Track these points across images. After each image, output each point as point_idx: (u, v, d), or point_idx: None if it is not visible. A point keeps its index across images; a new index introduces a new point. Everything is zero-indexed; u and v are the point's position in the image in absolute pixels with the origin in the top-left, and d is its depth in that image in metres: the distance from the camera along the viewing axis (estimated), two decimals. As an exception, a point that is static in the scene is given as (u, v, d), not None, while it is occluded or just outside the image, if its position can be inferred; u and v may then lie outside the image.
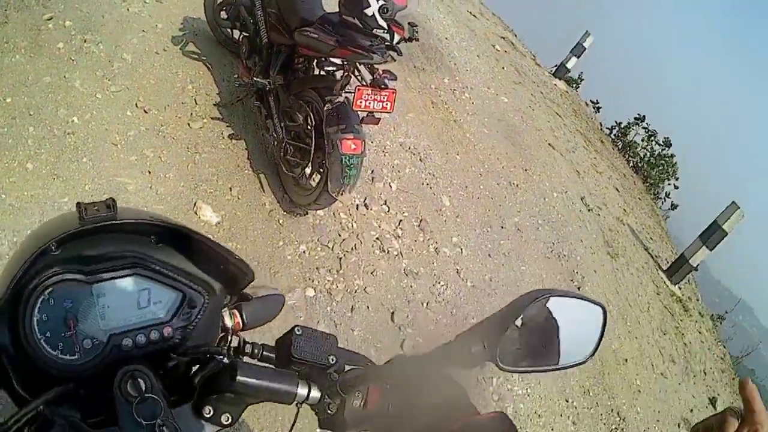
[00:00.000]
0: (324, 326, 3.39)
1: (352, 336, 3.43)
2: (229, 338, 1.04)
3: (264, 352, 0.99)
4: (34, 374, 0.88)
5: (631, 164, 11.31)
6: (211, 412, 0.90)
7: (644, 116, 11.93)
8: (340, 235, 3.89)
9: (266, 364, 0.95)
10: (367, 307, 3.61)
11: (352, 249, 3.85)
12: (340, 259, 3.76)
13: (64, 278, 0.89)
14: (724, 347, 8.83)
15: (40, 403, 0.84)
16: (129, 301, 0.94)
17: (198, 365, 0.96)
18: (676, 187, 11.73)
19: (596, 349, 0.96)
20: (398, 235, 4.16)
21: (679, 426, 5.67)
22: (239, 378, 0.87)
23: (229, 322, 1.10)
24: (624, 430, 4.63)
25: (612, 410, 4.63)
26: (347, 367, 0.95)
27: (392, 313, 3.66)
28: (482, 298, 4.19)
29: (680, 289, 7.87)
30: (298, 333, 0.93)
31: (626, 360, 5.21)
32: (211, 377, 0.93)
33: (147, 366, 0.87)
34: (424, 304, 3.83)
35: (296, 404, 0.93)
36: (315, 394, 0.92)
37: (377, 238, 4.03)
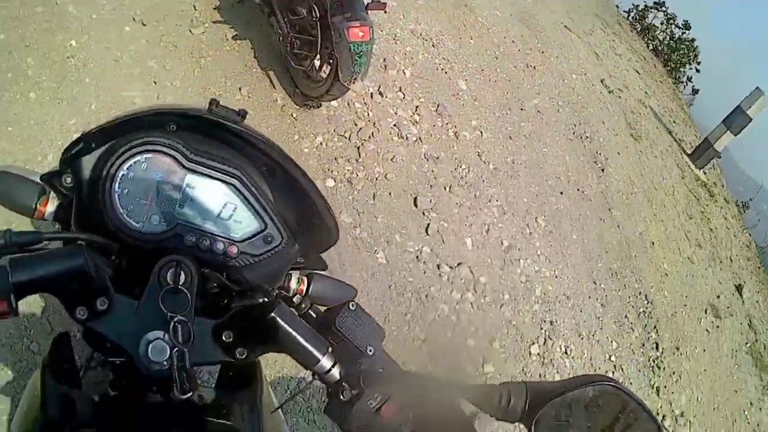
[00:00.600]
0: (346, 215, 3.42)
1: (375, 223, 3.47)
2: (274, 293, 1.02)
3: (309, 311, 1.00)
4: (91, 220, 0.92)
5: (651, 48, 11.08)
6: (230, 339, 0.89)
7: (664, 1, 11.64)
8: (356, 125, 3.87)
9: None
10: (389, 194, 3.63)
11: (369, 137, 3.83)
12: (358, 148, 3.75)
13: (166, 152, 0.92)
14: (750, 235, 8.94)
15: (83, 237, 0.87)
16: (212, 205, 0.95)
17: (239, 297, 0.96)
18: (697, 71, 11.57)
19: None
20: (416, 120, 4.13)
21: (706, 312, 5.81)
22: (273, 315, 0.86)
23: (293, 285, 1.11)
24: (652, 312, 4.75)
25: (640, 293, 4.73)
26: (379, 368, 0.92)
27: (415, 198, 3.68)
28: (505, 180, 4.20)
29: (705, 174, 7.88)
30: (351, 308, 0.92)
31: (653, 243, 5.28)
32: (246, 308, 0.92)
33: (196, 268, 0.88)
34: (447, 188, 3.85)
35: (313, 374, 0.92)
36: (336, 373, 0.90)
37: (394, 125, 4.00)
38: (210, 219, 0.95)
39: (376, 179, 3.66)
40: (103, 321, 0.84)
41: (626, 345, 4.29)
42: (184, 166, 0.92)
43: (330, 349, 0.90)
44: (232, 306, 0.93)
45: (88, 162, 0.92)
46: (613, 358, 4.10)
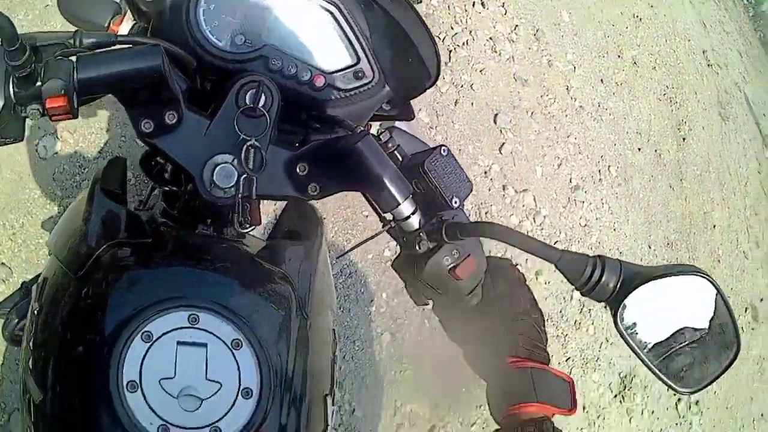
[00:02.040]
0: (425, 114, 3.49)
1: (452, 129, 3.54)
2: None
3: (396, 151, 0.93)
4: (170, 35, 0.87)
5: (759, 36, 10.73)
6: (305, 171, 0.86)
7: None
8: (452, 29, 3.88)
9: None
10: (471, 104, 3.68)
11: (463, 44, 3.85)
12: (450, 52, 3.78)
13: None
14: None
15: (162, 44, 0.81)
16: (304, 32, 0.91)
17: (319, 132, 0.94)
18: (800, 72, 11.21)
19: (704, 387, 0.83)
20: (512, 39, 4.13)
21: (745, 310, 5.85)
22: (360, 145, 0.81)
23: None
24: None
25: (690, 270, 4.79)
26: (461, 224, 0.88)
27: (496, 114, 3.73)
28: (587, 121, 4.23)
29: (781, 176, 7.77)
30: (443, 153, 0.87)
31: (714, 226, 5.29)
32: (329, 142, 0.90)
33: (278, 92, 0.86)
34: (529, 113, 3.89)
35: (390, 219, 0.89)
36: (415, 221, 0.87)
37: (490, 38, 4.01)
38: (300, 46, 0.91)
39: (462, 87, 3.70)
40: (168, 137, 0.81)
41: (664, 316, 4.39)
42: None
43: (412, 195, 0.86)
44: (310, 140, 0.91)
45: None
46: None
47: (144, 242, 0.86)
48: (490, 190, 3.49)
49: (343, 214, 3.00)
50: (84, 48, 0.77)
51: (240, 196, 0.82)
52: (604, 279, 0.76)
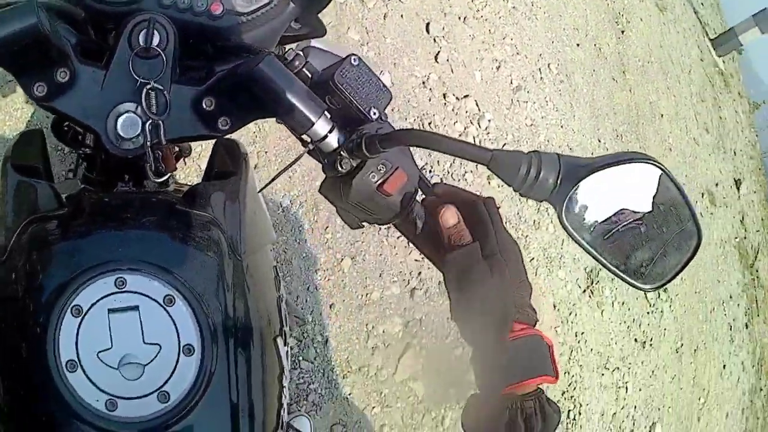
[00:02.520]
0: (355, 32, 3.40)
1: (384, 44, 3.46)
2: None
3: (304, 69, 0.87)
4: None
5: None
6: (211, 106, 0.82)
7: None
8: (371, -61, 3.78)
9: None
10: (401, 16, 3.59)
11: (384, -45, 3.76)
12: (373, -35, 3.69)
13: None
14: (756, 135, 9.06)
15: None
16: None
17: (223, 62, 0.88)
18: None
19: (667, 282, 0.78)
20: (434, -56, 4.05)
21: (702, 196, 5.99)
22: (261, 67, 0.77)
23: (288, 59, 1.01)
24: (651, 184, 4.89)
25: (642, 161, 4.85)
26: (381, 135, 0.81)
27: (427, 24, 3.65)
28: (522, 21, 4.18)
29: (723, 62, 7.87)
30: (353, 63, 0.81)
31: (662, 115, 5.35)
32: (232, 70, 0.84)
33: (173, 27, 0.81)
34: (461, 19, 3.82)
35: (309, 142, 0.85)
36: (333, 139, 0.82)
37: (412, -55, 3.92)
38: None
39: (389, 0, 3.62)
40: (65, 97, 0.77)
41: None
42: None
43: (327, 113, 0.82)
44: (215, 72, 0.85)
45: None
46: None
47: (61, 213, 0.81)
48: (430, 100, 3.44)
49: (285, 144, 2.93)
50: None
51: (149, 144, 0.78)
52: (542, 175, 0.69)
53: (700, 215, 4.47)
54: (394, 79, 3.36)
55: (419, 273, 3.02)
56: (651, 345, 4.36)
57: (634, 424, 4.34)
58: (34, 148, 0.96)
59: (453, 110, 3.49)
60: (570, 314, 3.72)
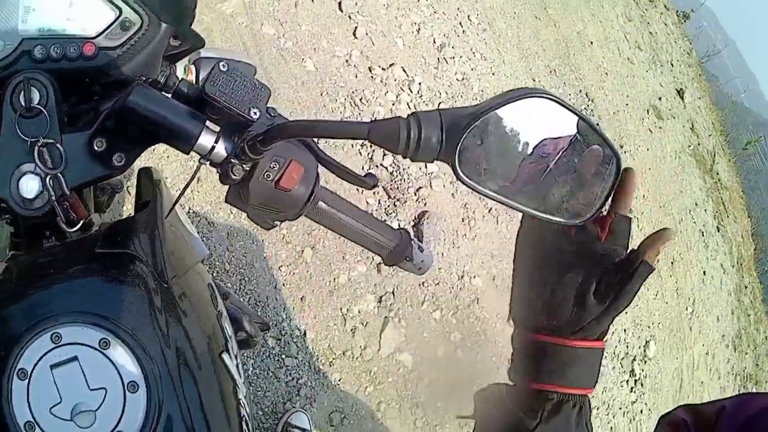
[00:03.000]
0: (269, 26, 3.39)
1: (300, 32, 3.45)
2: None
3: (179, 86, 0.89)
4: None
5: None
6: (103, 147, 0.83)
7: None
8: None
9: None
10: (312, 1, 3.60)
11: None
12: (270, -46, 3.67)
13: None
14: (690, 44, 9.21)
15: None
16: (56, 7, 0.87)
17: (108, 99, 0.88)
18: None
19: (598, 209, 0.74)
20: None
21: (648, 112, 6.09)
22: (131, 98, 0.78)
23: (181, 74, 1.03)
24: (593, 110, 4.96)
25: (580, 91, 4.91)
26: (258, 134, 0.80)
27: (339, 3, 3.65)
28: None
29: (643, -21, 7.98)
30: (222, 69, 0.81)
31: (591, 42, 5.42)
32: (113, 106, 0.84)
33: (51, 81, 0.82)
34: (371, -10, 3.85)
35: (199, 159, 0.84)
36: (221, 149, 0.82)
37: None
38: (57, 24, 0.87)
39: (295, -15, 3.61)
40: None
41: (569, 140, 4.51)
42: None
43: (209, 124, 0.82)
44: (101, 110, 0.86)
45: None
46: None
47: None
48: (356, 76, 3.45)
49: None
50: None
51: (53, 198, 0.79)
52: (424, 135, 0.65)
53: (648, 131, 4.59)
54: (316, 63, 3.37)
55: (381, 247, 3.04)
56: (626, 267, 4.44)
57: (627, 347, 4.45)
58: None
59: (381, 81, 3.51)
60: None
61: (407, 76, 3.62)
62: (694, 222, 6.20)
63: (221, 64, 0.81)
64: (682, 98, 7.16)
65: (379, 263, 2.99)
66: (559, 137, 0.70)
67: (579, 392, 0.78)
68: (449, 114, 0.66)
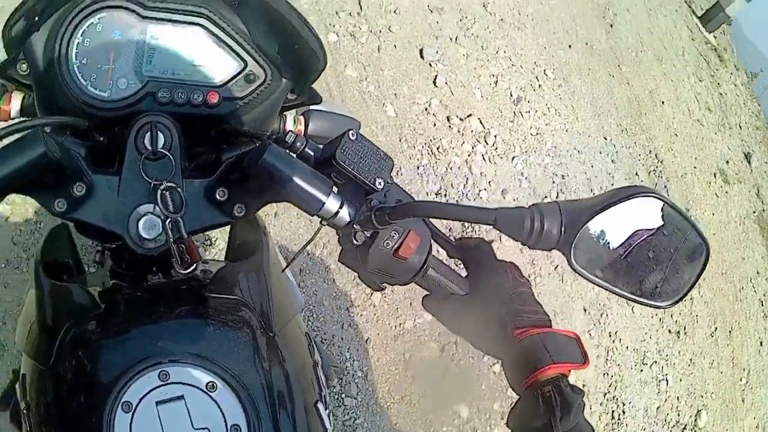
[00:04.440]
0: (352, 69, 3.54)
1: (382, 76, 3.60)
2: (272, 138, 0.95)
3: (306, 149, 0.90)
4: (55, 102, 0.87)
5: None
6: (225, 196, 0.86)
7: None
8: (355, -25, 3.94)
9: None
10: (394, 47, 3.74)
11: (370, -12, 3.91)
12: (360, 0, 3.83)
13: (119, 5, 0.85)
14: (759, 105, 9.15)
15: (44, 122, 0.81)
16: (182, 53, 0.90)
17: (229, 148, 0.93)
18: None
19: (684, 295, 0.83)
20: (416, -30, 4.20)
21: (715, 176, 6.07)
22: (266, 158, 0.80)
23: (290, 126, 1.08)
24: (662, 172, 4.99)
25: (650, 151, 4.95)
26: (392, 202, 0.86)
27: (420, 50, 3.80)
28: (512, 31, 4.32)
29: (715, 38, 7.98)
30: (351, 138, 0.84)
31: (663, 102, 5.46)
32: (239, 158, 0.89)
33: (175, 125, 0.85)
34: (453, 39, 3.97)
35: (321, 220, 0.87)
36: (345, 214, 0.85)
37: (394, -25, 4.07)
38: (182, 68, 0.89)
39: (380, 32, 3.76)
40: (85, 208, 0.81)
41: (637, 203, 4.55)
42: (142, 17, 0.87)
43: (335, 189, 0.85)
44: (223, 160, 0.90)
45: (37, 39, 0.87)
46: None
47: (99, 313, 0.86)
48: (435, 125, 3.57)
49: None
50: None
51: (171, 240, 0.82)
52: (546, 227, 0.73)
53: (715, 196, 4.61)
54: (397, 109, 3.50)
55: (449, 296, 3.12)
56: (686, 333, 4.44)
57: (679, 414, 4.41)
58: (62, 243, 1.04)
59: (458, 131, 3.62)
60: (601, 315, 3.81)
61: (483, 127, 3.73)
62: (755, 291, 6.12)
63: (350, 133, 0.84)
64: (749, 162, 7.11)
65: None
66: (659, 228, 0.79)
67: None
68: (567, 207, 0.73)
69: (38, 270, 0.90)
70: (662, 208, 0.78)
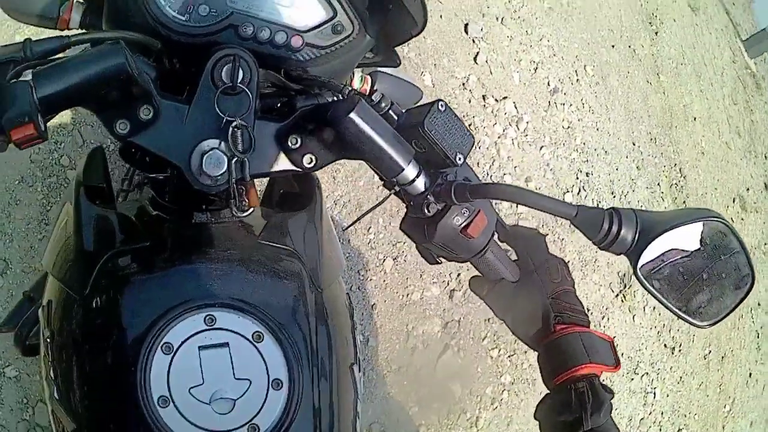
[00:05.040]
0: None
1: (424, 44, 3.57)
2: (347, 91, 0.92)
3: (389, 111, 0.87)
4: (126, 18, 0.84)
5: None
6: (297, 144, 0.84)
7: None
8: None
9: None
10: (440, 17, 3.71)
11: (423, -46, 3.88)
12: (411, -37, 3.81)
13: None
14: (787, 140, 9.15)
15: (119, 35, 0.77)
16: None
17: (304, 96, 0.90)
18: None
19: (722, 319, 0.87)
20: (473, -57, 4.17)
21: (733, 201, 6.08)
22: (352, 115, 0.77)
23: (357, 84, 1.06)
24: (683, 187, 4.99)
25: (675, 165, 4.95)
26: (469, 179, 0.87)
27: (466, 24, 3.77)
28: (558, 21, 4.29)
29: (755, 64, 7.95)
30: (440, 108, 0.83)
31: (695, 118, 5.45)
32: (318, 108, 0.87)
33: (255, 62, 0.82)
34: (499, 20, 3.94)
35: (395, 185, 0.87)
36: (420, 184, 0.85)
37: (450, -55, 4.04)
38: (270, 6, 0.86)
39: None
40: (148, 133, 0.78)
41: (655, 213, 4.56)
42: None
43: (415, 157, 0.84)
44: (297, 107, 0.87)
45: None
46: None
47: (144, 246, 0.84)
48: (470, 101, 3.56)
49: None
50: (36, 58, 0.71)
51: (233, 180, 0.79)
52: (622, 233, 0.76)
53: (731, 219, 4.57)
54: (434, 80, 3.49)
55: (458, 275, 3.14)
56: (680, 351, 4.47)
57: (660, 429, 4.45)
58: (97, 167, 1.00)
59: (492, 112, 3.62)
60: (603, 318, 3.84)
61: (517, 112, 3.72)
62: (753, 321, 6.15)
63: (440, 104, 0.83)
64: (768, 192, 7.12)
65: (453, 289, 3.09)
66: (718, 252, 0.84)
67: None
68: (644, 217, 0.77)
69: (79, 193, 0.88)
70: (726, 234, 0.83)
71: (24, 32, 2.30)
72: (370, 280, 2.96)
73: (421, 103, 1.09)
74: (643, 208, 0.85)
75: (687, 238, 0.81)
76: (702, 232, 0.82)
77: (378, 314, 2.93)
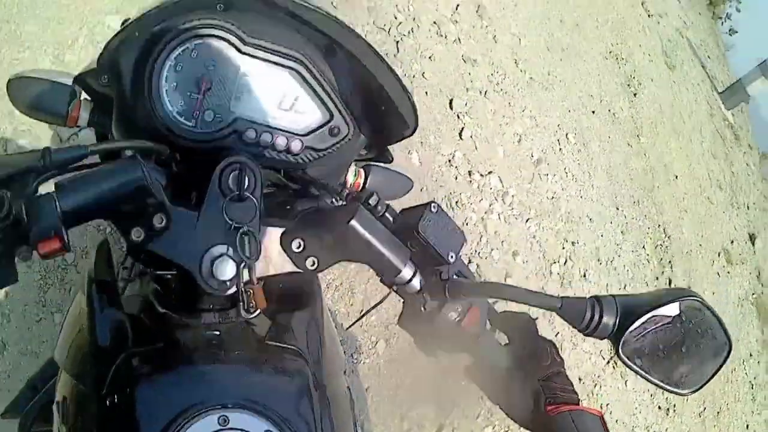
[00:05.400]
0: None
1: (408, 121, 3.67)
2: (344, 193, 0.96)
3: (386, 213, 0.91)
4: (134, 122, 0.87)
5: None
6: (300, 248, 0.86)
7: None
8: (396, 18, 4.01)
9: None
10: (426, 93, 3.82)
11: (408, 33, 3.98)
12: (397, 42, 3.91)
13: (219, 35, 0.85)
14: (768, 186, 9.32)
15: (134, 145, 0.82)
16: (272, 95, 0.90)
17: (305, 198, 0.93)
18: (738, 10, 11.82)
19: (704, 385, 0.91)
20: (456, 20, 4.29)
21: (719, 255, 6.18)
22: (353, 223, 0.81)
23: (351, 177, 1.09)
24: (668, 247, 5.08)
25: (659, 225, 5.05)
26: (462, 276, 0.91)
27: (450, 100, 3.88)
28: (539, 91, 4.42)
29: (733, 116, 8.16)
30: (433, 210, 0.87)
31: (676, 176, 5.58)
32: (318, 213, 0.89)
33: (259, 169, 0.84)
34: (482, 93, 4.06)
35: (392, 285, 0.90)
36: (416, 282, 0.88)
37: (434, 22, 4.15)
38: (270, 112, 0.90)
39: (414, 77, 3.84)
40: (161, 240, 0.80)
41: (641, 276, 4.62)
42: (240, 51, 0.87)
43: (411, 258, 0.87)
44: (297, 209, 0.89)
45: (128, 55, 0.86)
46: (628, 288, 4.43)
47: (159, 347, 0.86)
48: (456, 178, 3.64)
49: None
50: (56, 168, 0.75)
51: (242, 284, 0.82)
52: (603, 320, 0.80)
53: (717, 275, 4.66)
54: (421, 158, 3.57)
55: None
56: (675, 411, 4.49)
57: (660, 487, 4.46)
58: (103, 259, 0.99)
59: (478, 188, 3.70)
60: (595, 386, 3.87)
61: (503, 186, 3.80)
62: (746, 373, 6.19)
63: (432, 206, 0.87)
64: (753, 244, 7.23)
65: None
66: (694, 327, 0.87)
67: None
68: (623, 302, 0.81)
69: (91, 290, 0.89)
70: (701, 310, 0.87)
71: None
72: (364, 362, 2.98)
73: (410, 192, 1.19)
74: (623, 292, 0.90)
75: (665, 317, 0.85)
76: (679, 309, 0.85)
77: (372, 397, 2.95)
